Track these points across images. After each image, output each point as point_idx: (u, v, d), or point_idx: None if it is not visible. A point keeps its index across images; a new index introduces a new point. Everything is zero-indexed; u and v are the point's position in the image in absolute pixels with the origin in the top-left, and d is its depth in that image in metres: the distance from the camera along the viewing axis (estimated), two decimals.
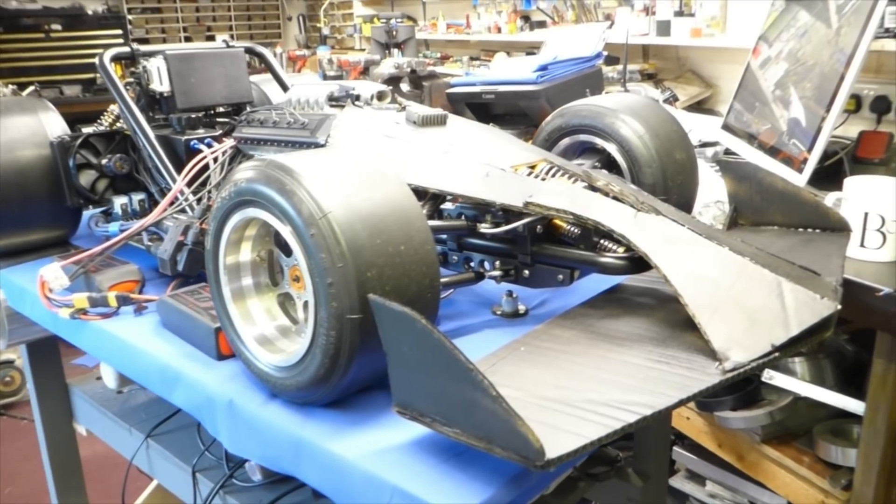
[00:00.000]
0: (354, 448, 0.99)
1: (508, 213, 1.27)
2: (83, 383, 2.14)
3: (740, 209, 1.55)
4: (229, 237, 1.11)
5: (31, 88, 4.60)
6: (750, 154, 2.24)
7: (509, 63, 3.40)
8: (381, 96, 1.56)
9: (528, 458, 0.81)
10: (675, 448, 2.46)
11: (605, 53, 3.02)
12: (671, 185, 1.53)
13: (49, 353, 2.14)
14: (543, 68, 2.81)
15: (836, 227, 1.42)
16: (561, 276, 1.26)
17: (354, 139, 1.39)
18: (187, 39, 6.74)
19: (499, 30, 4.53)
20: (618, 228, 1.15)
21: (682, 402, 0.89)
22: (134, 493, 2.35)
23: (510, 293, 1.38)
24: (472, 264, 1.37)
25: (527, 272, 1.31)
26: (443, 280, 1.31)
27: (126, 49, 1.88)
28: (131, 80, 1.84)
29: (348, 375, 1.01)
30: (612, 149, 1.57)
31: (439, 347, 0.86)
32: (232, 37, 6.93)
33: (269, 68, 2.14)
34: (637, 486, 1.70)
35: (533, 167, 1.34)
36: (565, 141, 1.66)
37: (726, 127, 2.53)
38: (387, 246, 0.99)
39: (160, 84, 1.81)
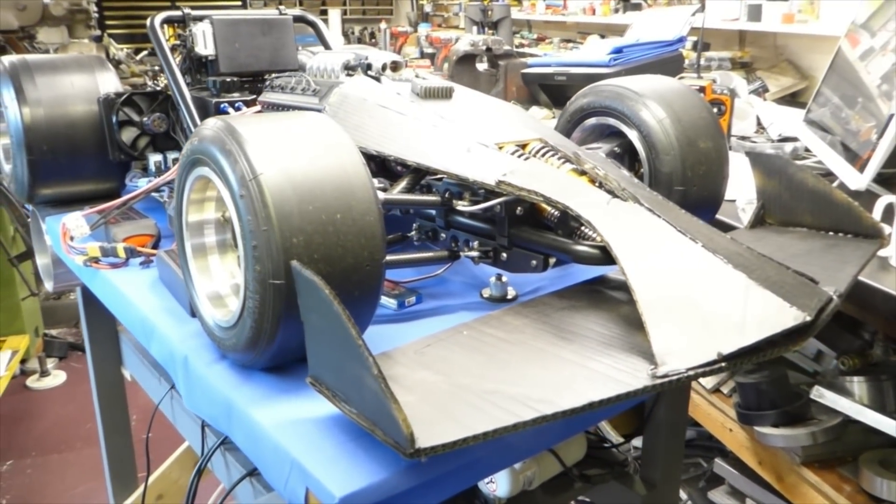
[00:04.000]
0: (273, 416, 0.98)
1: (489, 193, 1.21)
2: None
3: (768, 206, 1.42)
4: (189, 196, 1.12)
5: (145, 53, 4.88)
6: (826, 154, 2.05)
7: (593, 45, 3.28)
8: (395, 67, 1.53)
9: (400, 444, 0.76)
10: (716, 461, 2.32)
11: (691, 38, 2.85)
12: (691, 176, 1.42)
13: None
14: (618, 51, 2.69)
15: (868, 233, 1.27)
16: (535, 262, 1.20)
17: (347, 107, 1.37)
18: None
19: (593, 11, 4.36)
20: (585, 214, 1.07)
21: (592, 406, 0.82)
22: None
23: (499, 276, 1.32)
24: (458, 243, 1.32)
25: (504, 255, 1.25)
26: (413, 256, 1.28)
27: (178, 12, 1.94)
28: (178, 43, 1.90)
29: (275, 342, 0.99)
30: (632, 134, 1.47)
31: (337, 320, 0.82)
32: (345, 12, 7.08)
33: (320, 38, 2.16)
34: (640, 494, 1.61)
35: (524, 146, 1.27)
36: (591, 121, 1.57)
37: (810, 122, 2.32)
38: (319, 213, 0.96)
39: (205, 48, 1.86)
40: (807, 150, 2.25)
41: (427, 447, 0.76)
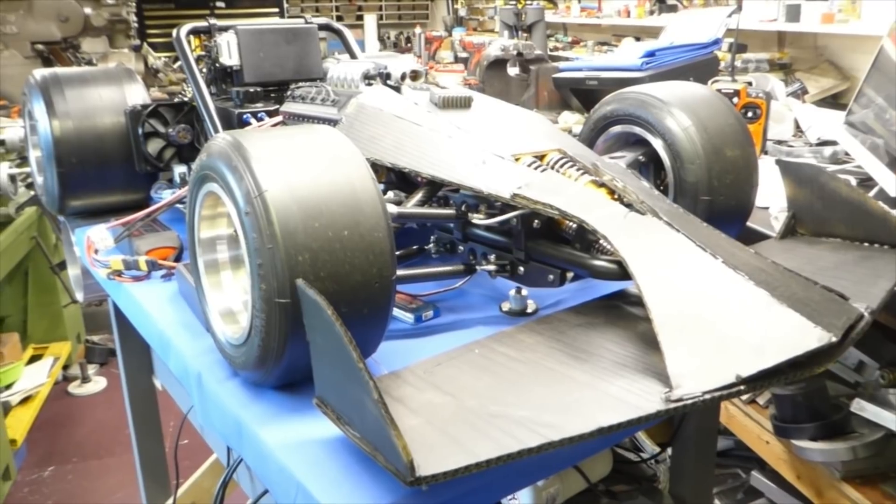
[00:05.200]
0: (280, 436, 0.97)
1: (505, 205, 1.18)
2: None
3: (800, 216, 1.36)
4: (201, 212, 1.12)
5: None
6: (865, 158, 1.97)
7: (626, 49, 3.22)
8: (414, 76, 1.51)
9: (400, 472, 0.74)
10: (753, 473, 2.25)
11: (727, 40, 2.78)
12: (718, 185, 1.37)
13: None
14: (650, 55, 2.64)
15: None
16: (551, 277, 1.17)
17: (363, 118, 1.35)
18: (339, 19, 7.01)
19: (628, 13, 4.29)
20: (601, 228, 1.03)
21: (601, 432, 0.79)
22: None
23: (519, 290, 1.30)
24: (476, 256, 1.30)
25: (521, 269, 1.22)
26: (427, 271, 1.26)
27: (204, 24, 1.95)
28: (203, 53, 1.91)
29: (283, 361, 0.98)
30: (656, 143, 1.43)
31: (339, 341, 0.81)
32: (381, 17, 7.10)
33: (345, 46, 2.16)
34: None
35: (542, 157, 1.24)
36: (616, 129, 1.53)
37: (851, 124, 2.24)
38: (326, 230, 0.95)
39: (229, 58, 1.86)
40: (846, 154, 2.17)
41: (428, 475, 0.73)
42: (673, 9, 3.93)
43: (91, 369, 4.24)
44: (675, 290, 0.94)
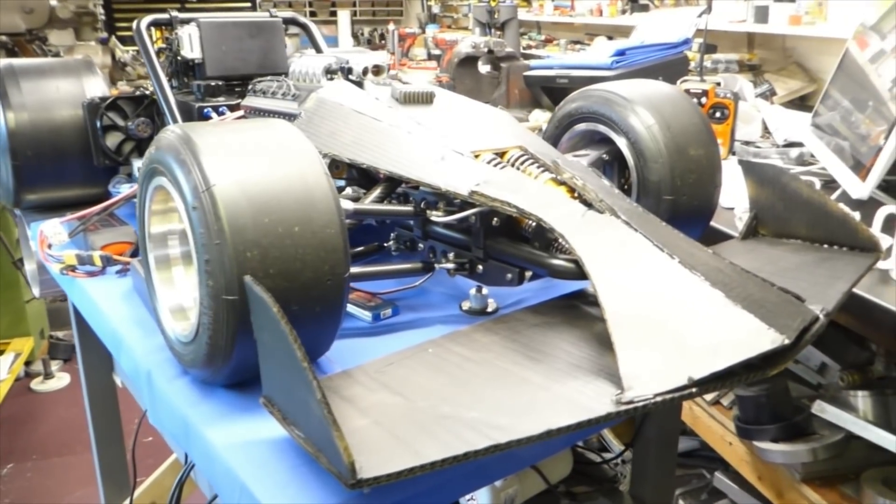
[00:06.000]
0: (227, 436, 0.94)
1: (464, 203, 1.17)
2: None
3: (761, 217, 1.36)
4: (151, 206, 1.09)
5: None
6: (829, 160, 1.98)
7: (597, 47, 3.22)
8: (377, 71, 1.49)
9: (341, 474, 0.72)
10: (716, 474, 2.26)
11: (698, 40, 2.79)
12: (680, 185, 1.36)
13: None
14: (620, 53, 2.64)
15: (864, 247, 1.21)
16: (510, 276, 1.15)
17: (323, 112, 1.33)
18: (312, 14, 6.95)
19: (601, 12, 4.30)
20: (558, 227, 1.02)
21: (550, 434, 0.77)
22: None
23: (479, 288, 1.28)
24: (436, 254, 1.28)
25: (480, 267, 1.20)
26: (384, 268, 1.24)
27: (165, 15, 1.91)
28: (165, 46, 1.87)
29: (232, 359, 0.96)
30: (620, 141, 1.42)
31: (284, 339, 0.78)
32: (355, 13, 7.06)
33: (312, 41, 2.12)
34: None
35: (503, 154, 1.23)
36: (580, 127, 1.52)
37: (817, 126, 2.26)
38: (276, 226, 0.92)
39: (191, 51, 1.82)
40: (812, 155, 2.19)
41: (370, 478, 0.71)
42: (645, 8, 3.94)
43: (54, 365, 4.16)
44: (630, 290, 0.93)
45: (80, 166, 1.87)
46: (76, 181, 1.90)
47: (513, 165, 1.20)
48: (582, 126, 1.52)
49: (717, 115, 2.29)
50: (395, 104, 1.35)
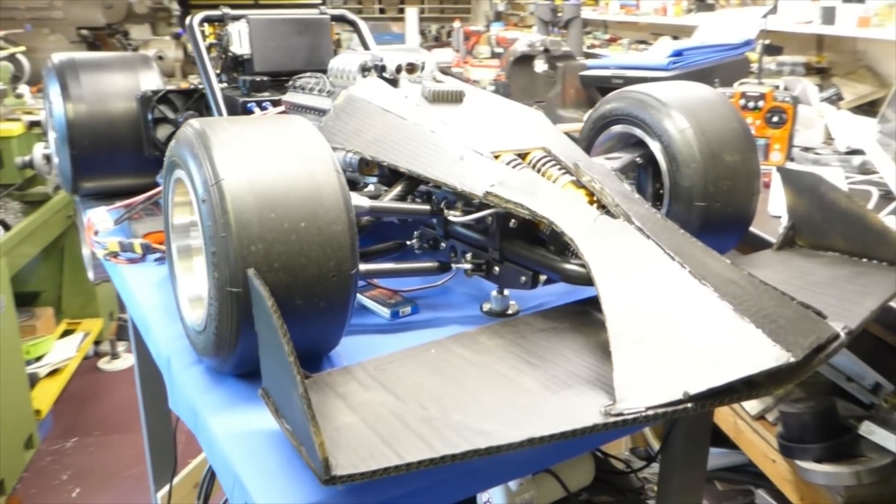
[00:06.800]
0: (227, 425, 0.96)
1: (482, 203, 1.16)
2: None
3: (799, 227, 1.31)
4: (173, 198, 1.12)
5: None
6: (888, 170, 1.89)
7: (657, 47, 3.14)
8: (411, 69, 1.49)
9: (317, 469, 0.73)
10: (759, 492, 2.18)
11: (764, 41, 2.69)
12: (714, 191, 1.32)
13: None
14: (678, 54, 2.57)
15: None
16: (524, 279, 1.14)
17: (350, 109, 1.34)
18: (381, 12, 7.03)
19: (665, 12, 4.19)
20: (568, 231, 1.00)
21: (532, 442, 0.76)
22: None
23: (501, 290, 1.27)
24: (457, 254, 1.28)
25: (497, 269, 1.19)
26: (397, 267, 1.24)
27: (217, 12, 1.96)
28: (215, 42, 1.92)
29: (237, 350, 0.98)
30: (654, 145, 1.38)
31: (274, 332, 0.80)
32: (423, 10, 7.09)
33: (360, 38, 2.14)
34: None
35: (525, 155, 1.21)
36: (617, 128, 1.48)
37: (883, 133, 2.15)
38: (282, 222, 0.94)
39: (240, 47, 1.87)
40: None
41: (344, 475, 0.72)
42: (710, 7, 3.82)
43: (121, 346, 4.34)
44: (634, 298, 0.91)
45: (133, 157, 1.93)
46: (129, 171, 1.97)
47: (534, 167, 1.19)
48: (618, 128, 1.48)
49: (775, 119, 2.21)
50: (423, 103, 1.35)
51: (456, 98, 1.36)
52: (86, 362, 4.17)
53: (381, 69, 1.48)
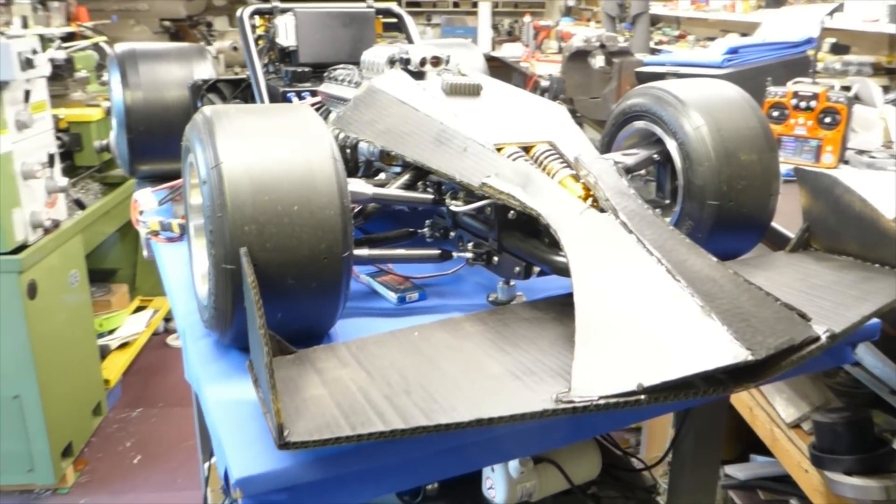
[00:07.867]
0: (219, 394, 1.02)
1: (482, 194, 1.19)
2: None
3: (814, 230, 1.28)
4: (189, 180, 1.19)
5: None
6: None
7: (716, 44, 3.07)
8: (435, 62, 1.52)
9: (273, 434, 0.78)
10: (792, 501, 2.12)
11: (830, 40, 2.60)
12: (727, 190, 1.30)
13: None
14: (733, 51, 2.51)
15: None
16: (518, 269, 1.16)
17: (368, 100, 1.38)
18: (455, 6, 7.07)
19: (734, 8, 4.06)
20: (553, 223, 1.02)
21: (481, 423, 0.79)
22: None
23: (507, 280, 1.29)
24: (464, 242, 1.31)
25: (496, 259, 1.22)
26: (395, 253, 1.29)
27: (267, 5, 2.04)
28: (263, 33, 2.00)
29: (233, 324, 1.04)
30: (670, 143, 1.38)
31: (251, 304, 0.85)
32: (496, 4, 7.09)
33: (404, 31, 2.19)
34: None
35: (529, 149, 1.23)
36: (638, 124, 1.48)
37: None
38: (275, 204, 0.99)
39: (286, 39, 1.95)
40: None
41: (298, 441, 0.76)
42: (779, 4, 3.69)
43: None
44: (605, 291, 0.92)
45: None
46: (180, 155, 2.08)
47: (536, 160, 1.20)
48: (640, 124, 1.48)
49: (828, 120, 2.13)
50: (441, 95, 1.38)
51: (473, 91, 1.39)
52: (155, 338, 4.39)
53: (405, 62, 1.52)
